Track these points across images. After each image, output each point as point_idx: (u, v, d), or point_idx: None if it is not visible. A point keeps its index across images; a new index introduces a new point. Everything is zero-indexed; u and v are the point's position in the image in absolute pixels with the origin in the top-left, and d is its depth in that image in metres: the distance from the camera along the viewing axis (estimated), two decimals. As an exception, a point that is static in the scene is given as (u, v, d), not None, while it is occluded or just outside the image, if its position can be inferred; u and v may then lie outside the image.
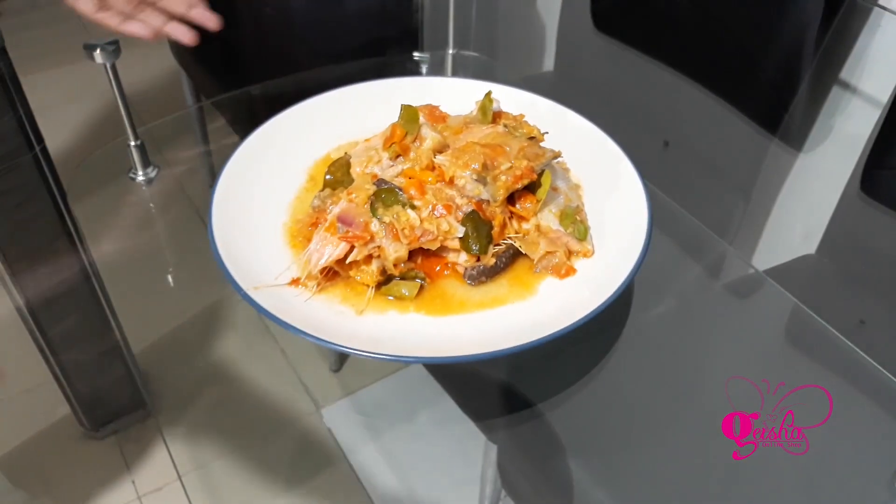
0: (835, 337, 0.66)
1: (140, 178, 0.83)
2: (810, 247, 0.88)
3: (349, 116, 0.76)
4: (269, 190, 0.68)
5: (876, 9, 1.03)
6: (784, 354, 0.67)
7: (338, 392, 0.70)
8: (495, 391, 0.64)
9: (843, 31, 1.01)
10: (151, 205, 0.84)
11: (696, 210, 0.80)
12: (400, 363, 0.51)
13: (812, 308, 0.69)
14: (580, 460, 0.59)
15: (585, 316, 0.54)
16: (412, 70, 1.05)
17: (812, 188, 0.95)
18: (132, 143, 0.82)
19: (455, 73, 1.04)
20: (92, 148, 0.86)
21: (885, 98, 0.94)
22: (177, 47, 1.20)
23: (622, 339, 0.65)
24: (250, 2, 1.08)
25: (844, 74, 0.99)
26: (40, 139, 0.83)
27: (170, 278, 0.74)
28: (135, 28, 0.67)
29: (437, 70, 1.05)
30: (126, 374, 0.75)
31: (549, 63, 1.21)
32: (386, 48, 1.12)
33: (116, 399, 0.79)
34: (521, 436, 0.63)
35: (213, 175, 0.68)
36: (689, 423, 0.61)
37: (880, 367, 0.63)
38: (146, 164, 0.84)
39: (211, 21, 0.71)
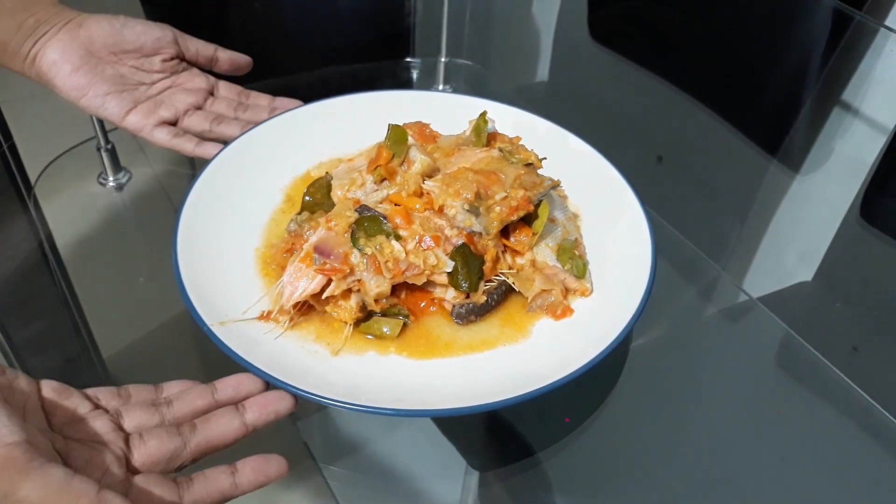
0: (826, 366, 0.64)
1: (111, 183, 0.79)
2: (807, 273, 0.85)
3: (333, 131, 0.71)
4: (242, 211, 0.63)
5: (882, 30, 1.01)
6: (774, 384, 0.65)
7: (315, 404, 0.68)
8: (478, 417, 0.61)
9: (850, 52, 0.99)
10: (122, 212, 0.80)
11: (688, 230, 0.78)
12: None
13: (806, 336, 0.67)
14: (568, 495, 0.56)
15: (581, 368, 0.50)
16: (402, 76, 1.01)
17: (810, 213, 0.93)
18: (102, 147, 0.78)
19: (447, 82, 1.00)
20: (64, 146, 0.82)
21: (888, 122, 0.92)
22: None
23: (608, 368, 0.62)
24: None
25: (848, 96, 0.97)
26: (8, 136, 0.81)
27: (141, 286, 0.70)
28: (209, 150, 0.66)
29: (428, 77, 1.01)
30: (95, 382, 0.72)
31: (543, 73, 1.18)
32: (377, 52, 1.08)
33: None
34: (505, 466, 0.59)
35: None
36: (678, 456, 0.58)
37: (870, 398, 0.62)
38: (117, 168, 0.80)
39: (294, 104, 0.73)
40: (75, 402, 0.43)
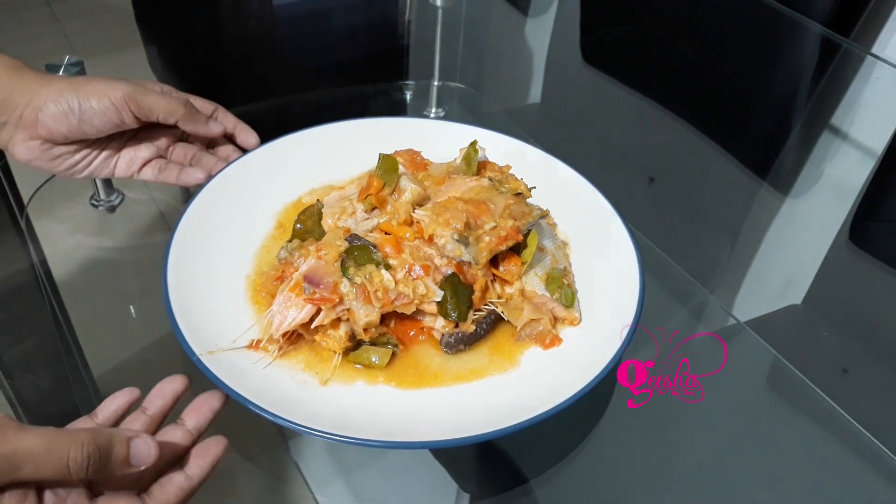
0: (814, 391, 0.65)
1: (102, 205, 0.79)
2: (797, 296, 0.86)
3: (325, 157, 0.71)
4: (234, 237, 0.63)
5: (869, 57, 1.02)
6: (763, 408, 0.66)
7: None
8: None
9: (838, 78, 1.00)
10: (114, 233, 0.80)
11: (678, 253, 0.78)
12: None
13: (796, 359, 0.67)
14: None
15: (570, 398, 0.50)
16: (396, 98, 1.01)
17: (799, 237, 0.94)
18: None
19: (440, 104, 1.01)
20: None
21: (876, 147, 0.93)
22: (156, 67, 1.16)
23: (598, 394, 0.60)
24: (235, 18, 1.05)
25: (836, 122, 0.98)
26: (1, 155, 0.79)
27: (132, 306, 0.71)
28: (192, 176, 0.68)
29: (421, 99, 1.02)
30: (84, 401, 0.72)
31: (535, 95, 1.19)
32: (371, 74, 1.08)
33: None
34: (497, 492, 0.60)
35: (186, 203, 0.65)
36: (668, 480, 0.59)
37: (857, 424, 0.62)
38: (110, 190, 0.80)
39: (254, 137, 0.73)
40: None
